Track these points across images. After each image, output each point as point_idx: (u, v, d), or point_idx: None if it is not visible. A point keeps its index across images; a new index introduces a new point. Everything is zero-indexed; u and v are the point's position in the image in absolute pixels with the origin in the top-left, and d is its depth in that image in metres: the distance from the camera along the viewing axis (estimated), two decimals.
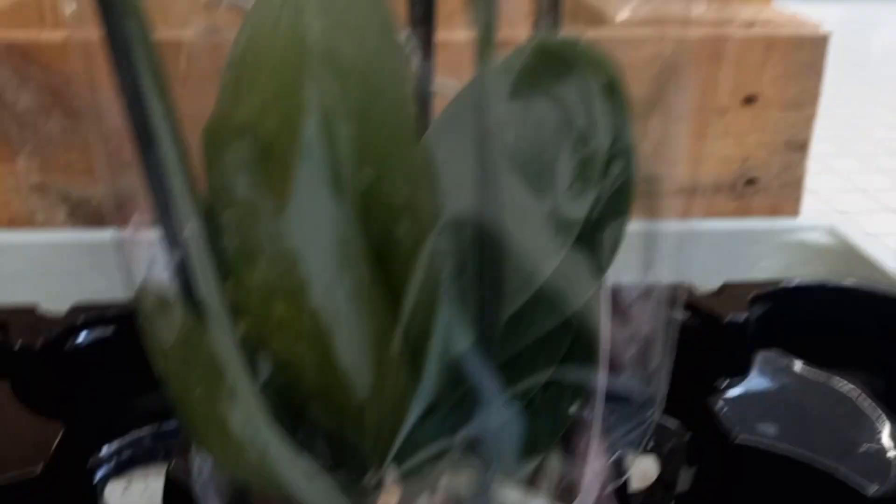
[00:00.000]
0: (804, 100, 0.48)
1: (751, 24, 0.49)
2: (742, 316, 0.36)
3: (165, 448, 0.39)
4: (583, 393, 0.19)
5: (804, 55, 0.47)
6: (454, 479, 0.21)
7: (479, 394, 0.17)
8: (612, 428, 0.20)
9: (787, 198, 0.50)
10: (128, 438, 0.40)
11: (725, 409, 0.30)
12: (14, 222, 0.48)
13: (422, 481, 0.19)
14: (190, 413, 0.18)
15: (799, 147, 0.49)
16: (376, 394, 0.16)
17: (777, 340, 0.35)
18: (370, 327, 0.16)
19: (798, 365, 0.33)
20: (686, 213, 0.21)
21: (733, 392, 0.31)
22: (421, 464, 0.18)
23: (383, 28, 0.15)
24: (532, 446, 0.19)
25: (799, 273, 0.45)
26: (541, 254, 0.16)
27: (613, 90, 0.17)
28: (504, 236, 0.15)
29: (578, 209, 0.16)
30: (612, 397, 0.20)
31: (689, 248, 0.21)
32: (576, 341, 0.19)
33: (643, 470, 0.37)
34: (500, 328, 0.17)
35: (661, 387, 0.19)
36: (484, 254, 0.14)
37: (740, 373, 0.32)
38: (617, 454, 0.20)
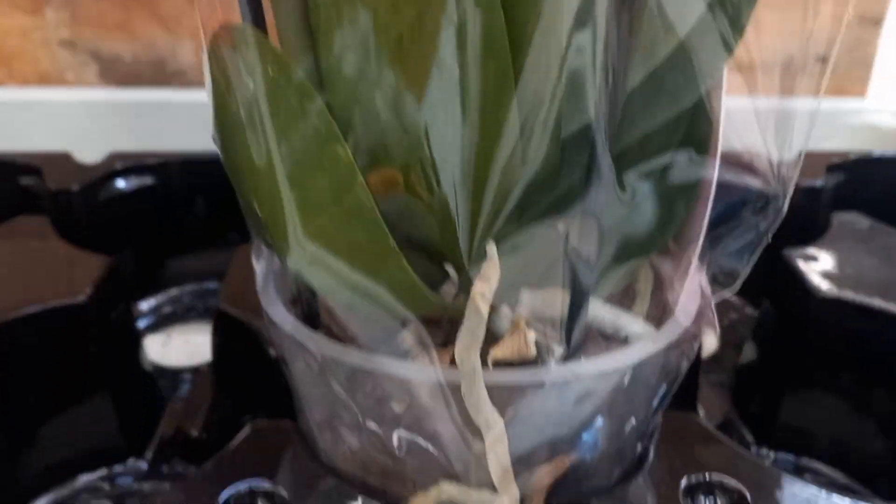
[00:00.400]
0: None
1: None
2: (818, 181, 0.34)
3: (206, 307, 0.38)
4: (694, 191, 0.17)
5: None
6: (537, 295, 0.19)
7: (590, 175, 0.15)
8: (718, 239, 0.18)
9: (855, 77, 0.47)
10: (167, 295, 0.39)
11: (807, 265, 0.28)
12: (44, 80, 0.46)
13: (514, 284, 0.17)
14: (271, 200, 0.16)
15: (873, 22, 0.46)
16: (486, 166, 0.14)
17: (853, 207, 0.33)
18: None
19: (876, 225, 0.31)
20: (748, 91, 0.19)
21: (813, 250, 0.29)
22: (519, 247, 0.16)
23: None
24: (635, 245, 0.17)
25: None
26: None
27: None
28: None
29: None
30: (725, 204, 0.18)
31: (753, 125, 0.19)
32: (692, 134, 0.17)
33: (705, 344, 0.36)
34: (624, 97, 0.15)
35: (786, 185, 0.17)
36: None
37: (819, 234, 0.31)
38: (721, 267, 0.18)
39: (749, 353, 0.33)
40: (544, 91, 0.14)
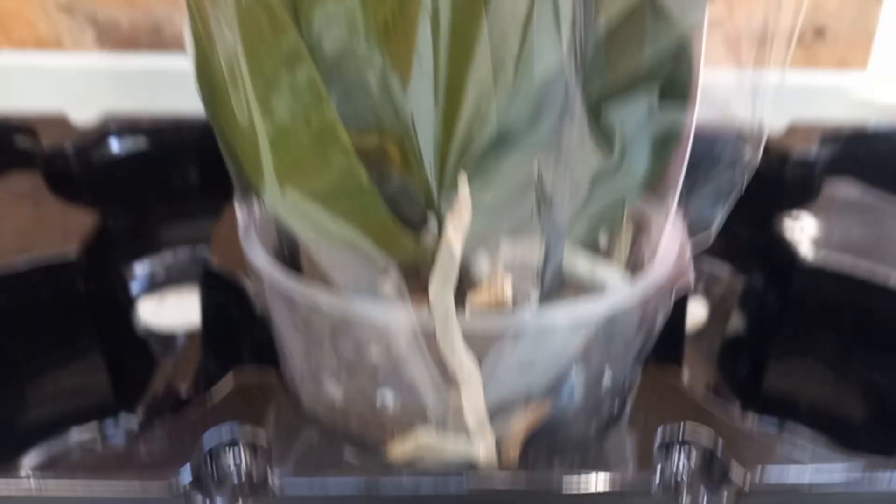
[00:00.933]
0: None
1: None
2: (812, 152, 0.34)
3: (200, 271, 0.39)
4: (674, 138, 0.17)
5: None
6: (517, 244, 0.19)
7: (564, 115, 0.15)
8: (694, 186, 0.18)
9: (856, 50, 0.47)
10: (162, 258, 0.39)
11: (794, 231, 0.28)
12: (41, 44, 0.46)
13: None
14: (250, 143, 0.16)
15: None
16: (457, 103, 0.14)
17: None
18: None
19: (866, 191, 0.31)
20: (751, 63, 0.19)
21: (803, 216, 0.29)
22: (493, 183, 0.16)
23: None
24: (613, 191, 0.17)
25: None
26: None
27: None
28: None
29: None
30: (702, 154, 0.18)
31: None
32: (673, 80, 0.17)
33: (694, 314, 0.36)
34: (595, 42, 0.15)
35: (760, 132, 0.17)
36: None
37: (810, 201, 0.30)
38: (698, 214, 0.18)
39: (736, 321, 0.33)
40: (515, 15, 0.14)
